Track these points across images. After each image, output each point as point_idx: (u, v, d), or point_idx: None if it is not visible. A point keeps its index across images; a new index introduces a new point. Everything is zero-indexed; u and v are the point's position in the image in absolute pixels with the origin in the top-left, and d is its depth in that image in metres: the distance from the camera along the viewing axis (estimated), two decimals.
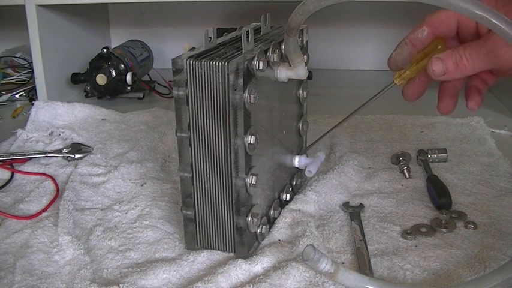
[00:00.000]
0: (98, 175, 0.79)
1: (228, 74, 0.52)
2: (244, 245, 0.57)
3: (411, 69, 0.56)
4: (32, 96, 1.16)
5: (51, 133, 0.95)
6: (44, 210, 0.69)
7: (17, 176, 0.80)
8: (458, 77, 0.52)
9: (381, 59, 1.38)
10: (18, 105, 1.14)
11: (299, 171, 0.73)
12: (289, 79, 0.61)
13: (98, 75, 1.12)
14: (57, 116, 1.01)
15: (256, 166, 0.57)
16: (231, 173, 0.55)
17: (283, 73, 0.60)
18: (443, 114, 0.58)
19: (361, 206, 0.68)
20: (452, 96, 0.57)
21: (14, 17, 1.15)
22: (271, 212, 0.64)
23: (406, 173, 0.77)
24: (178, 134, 0.56)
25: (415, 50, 0.55)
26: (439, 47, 0.54)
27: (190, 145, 0.56)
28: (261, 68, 0.54)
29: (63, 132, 0.94)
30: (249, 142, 0.54)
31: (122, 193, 0.75)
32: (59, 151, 0.86)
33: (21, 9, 1.05)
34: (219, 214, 0.57)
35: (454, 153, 0.83)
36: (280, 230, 0.62)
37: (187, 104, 0.54)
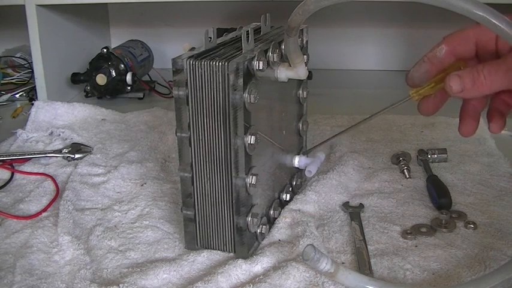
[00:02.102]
0: (98, 175, 0.79)
1: (228, 74, 0.52)
2: (244, 245, 0.57)
3: (428, 88, 0.55)
4: (32, 96, 1.16)
5: (51, 133, 0.94)
6: (44, 210, 0.69)
7: (17, 176, 0.80)
8: (476, 96, 0.51)
9: (381, 59, 1.40)
10: (18, 105, 1.14)
11: (299, 171, 0.73)
12: (289, 79, 0.61)
13: (98, 75, 1.12)
14: (57, 116, 1.01)
15: (256, 166, 0.57)
16: (231, 173, 0.55)
17: (283, 73, 0.60)
18: (464, 136, 0.57)
19: (361, 206, 0.68)
20: (473, 118, 0.56)
21: (14, 17, 1.15)
22: (271, 212, 0.64)
23: (406, 173, 0.77)
24: (178, 134, 0.56)
25: (433, 68, 0.54)
26: (462, 68, 0.54)
27: (190, 145, 0.56)
28: (261, 68, 0.54)
29: (63, 132, 0.94)
30: (249, 142, 0.54)
31: (122, 193, 0.75)
32: (59, 151, 0.86)
33: (21, 9, 1.05)
34: (219, 214, 0.57)
35: (454, 153, 0.83)
36: (280, 230, 0.62)
37: (187, 104, 0.54)
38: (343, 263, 0.58)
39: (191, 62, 0.53)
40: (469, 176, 0.76)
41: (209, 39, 0.57)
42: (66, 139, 0.92)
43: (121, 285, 0.53)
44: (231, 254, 0.59)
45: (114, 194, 0.74)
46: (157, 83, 1.23)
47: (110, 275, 0.56)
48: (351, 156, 0.81)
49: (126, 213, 0.69)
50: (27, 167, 0.81)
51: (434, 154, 0.81)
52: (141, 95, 1.19)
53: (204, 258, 0.58)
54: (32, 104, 1.04)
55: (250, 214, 0.57)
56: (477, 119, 0.57)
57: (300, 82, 0.70)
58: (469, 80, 0.49)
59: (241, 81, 0.52)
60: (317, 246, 0.54)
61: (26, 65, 1.31)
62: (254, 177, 0.56)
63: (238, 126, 0.53)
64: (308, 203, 0.67)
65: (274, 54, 0.58)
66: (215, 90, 0.53)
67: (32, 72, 1.13)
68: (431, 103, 0.57)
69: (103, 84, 1.13)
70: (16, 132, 0.94)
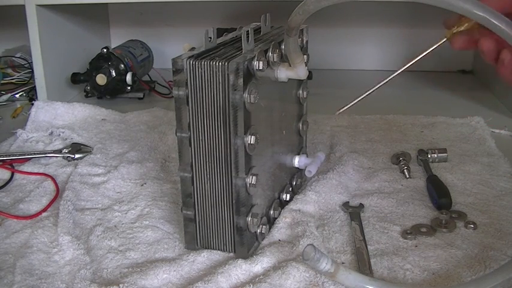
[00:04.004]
0: (98, 175, 0.79)
1: (228, 74, 0.52)
2: (244, 245, 0.57)
3: (462, 25, 0.53)
4: (32, 96, 1.16)
5: (51, 133, 0.95)
6: (44, 210, 0.69)
7: (17, 176, 0.80)
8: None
9: (381, 59, 1.40)
10: (18, 105, 1.14)
11: (299, 171, 0.73)
12: (289, 79, 0.61)
13: (98, 75, 1.12)
14: (57, 116, 1.01)
15: (256, 166, 0.57)
16: (231, 173, 0.55)
17: (283, 73, 0.60)
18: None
19: (361, 206, 0.68)
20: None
21: (14, 17, 1.15)
22: (271, 212, 0.64)
23: (406, 173, 0.77)
24: (178, 134, 0.56)
25: None
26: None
27: (190, 145, 0.56)
28: (261, 68, 0.54)
29: (63, 132, 0.94)
30: (249, 142, 0.54)
31: (122, 193, 0.75)
32: (59, 151, 0.86)
33: (21, 9, 1.05)
34: (219, 214, 0.57)
35: (454, 153, 0.83)
36: (280, 230, 0.62)
37: (187, 104, 0.54)
38: (343, 263, 0.58)
39: (191, 62, 0.53)
40: (469, 176, 0.76)
41: (209, 39, 0.57)
42: (66, 139, 0.92)
43: (121, 285, 0.53)
44: (231, 254, 0.59)
45: (114, 194, 0.74)
46: (157, 83, 1.23)
47: (110, 275, 0.56)
48: (351, 156, 0.81)
49: (126, 213, 0.69)
50: (27, 167, 0.81)
51: (434, 154, 0.81)
52: (141, 95, 1.19)
53: (204, 258, 0.58)
54: (32, 104, 1.04)
55: (250, 214, 0.57)
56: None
57: (300, 82, 0.70)
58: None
59: (241, 81, 0.52)
60: (317, 246, 0.54)
61: (26, 65, 1.31)
62: (254, 177, 0.56)
63: (238, 126, 0.53)
64: (308, 203, 0.67)
65: (274, 54, 0.58)
66: (215, 90, 0.53)
67: (32, 72, 1.13)
68: (464, 39, 0.54)
69: (103, 84, 1.13)
70: (16, 132, 0.94)
